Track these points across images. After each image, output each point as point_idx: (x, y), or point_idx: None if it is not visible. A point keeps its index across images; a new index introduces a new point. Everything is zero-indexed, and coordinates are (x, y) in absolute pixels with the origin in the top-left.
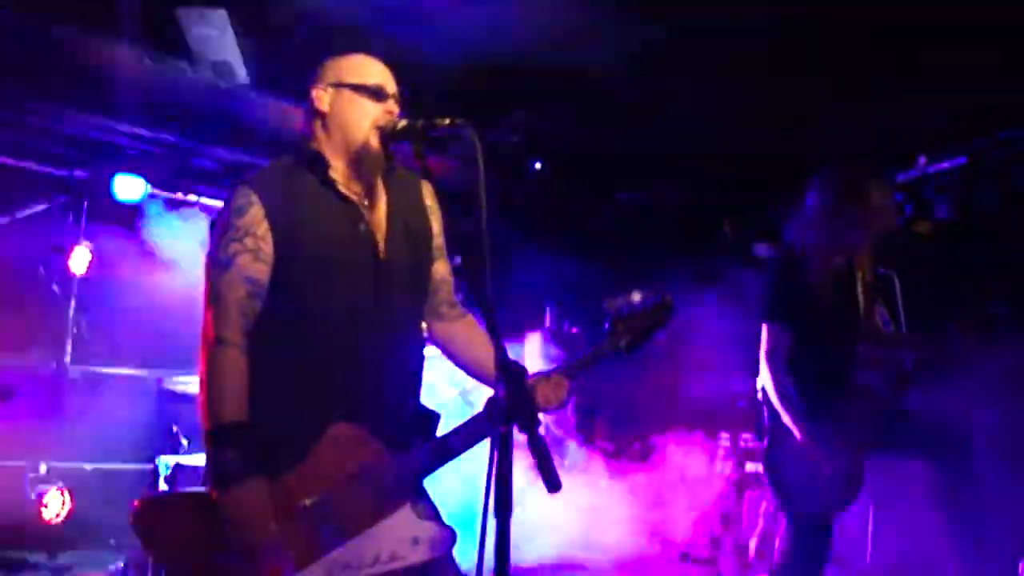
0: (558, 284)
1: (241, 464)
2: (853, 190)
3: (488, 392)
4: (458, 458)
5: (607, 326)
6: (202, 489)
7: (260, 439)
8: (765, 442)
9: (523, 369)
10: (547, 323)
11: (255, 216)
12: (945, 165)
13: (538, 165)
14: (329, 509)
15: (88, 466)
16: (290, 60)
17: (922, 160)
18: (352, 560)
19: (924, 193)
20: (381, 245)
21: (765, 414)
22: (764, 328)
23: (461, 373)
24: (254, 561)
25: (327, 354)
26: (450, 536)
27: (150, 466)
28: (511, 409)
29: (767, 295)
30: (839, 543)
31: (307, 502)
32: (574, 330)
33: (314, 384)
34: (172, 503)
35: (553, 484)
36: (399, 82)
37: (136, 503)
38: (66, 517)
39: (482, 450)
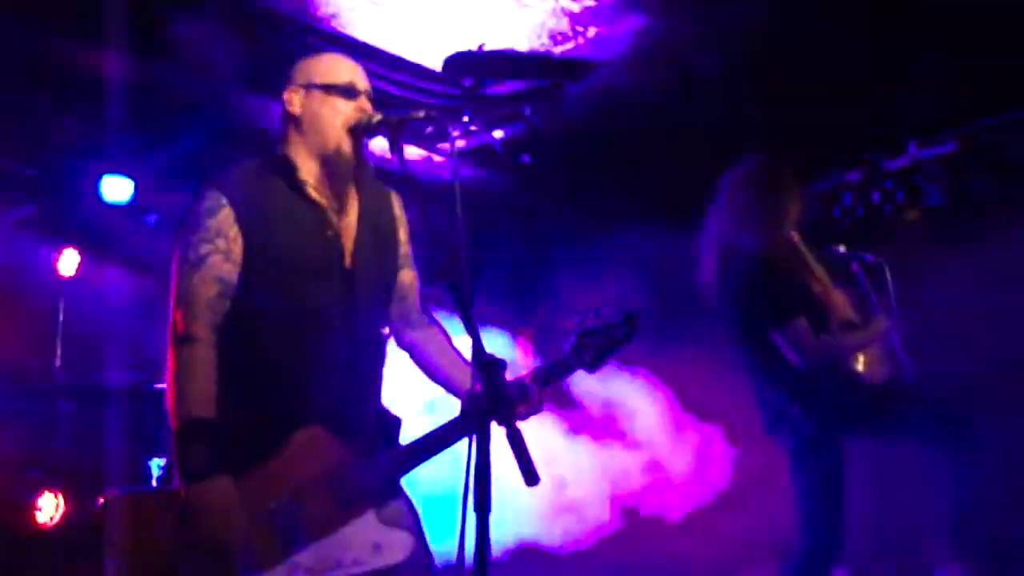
0: (550, 276)
1: (209, 461)
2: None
3: (450, 399)
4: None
5: (572, 340)
6: (170, 487)
7: (225, 438)
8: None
9: (501, 362)
10: (538, 316)
11: (226, 218)
12: (935, 152)
13: (526, 159)
14: (293, 511)
15: (80, 471)
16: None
17: (912, 147)
18: (315, 564)
19: (914, 180)
20: (348, 251)
21: None
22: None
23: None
24: (218, 559)
25: (293, 358)
26: (414, 541)
27: (142, 470)
28: (489, 403)
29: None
30: None
31: (273, 504)
32: (567, 323)
33: (280, 387)
34: (138, 500)
35: (531, 478)
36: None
37: (101, 500)
38: (59, 521)
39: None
